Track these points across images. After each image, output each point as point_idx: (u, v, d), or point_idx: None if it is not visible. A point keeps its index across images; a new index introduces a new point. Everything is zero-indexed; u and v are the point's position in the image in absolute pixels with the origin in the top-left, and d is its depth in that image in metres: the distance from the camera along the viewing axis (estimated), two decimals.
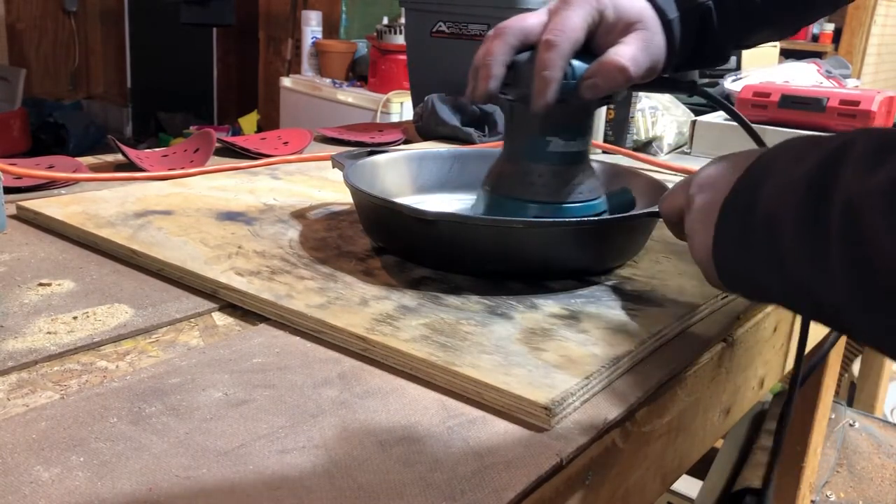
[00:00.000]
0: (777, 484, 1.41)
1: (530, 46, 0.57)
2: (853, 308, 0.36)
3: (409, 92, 1.32)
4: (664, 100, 1.20)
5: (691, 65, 0.63)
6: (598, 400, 0.44)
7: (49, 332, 0.47)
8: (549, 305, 0.53)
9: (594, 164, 0.75)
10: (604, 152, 1.12)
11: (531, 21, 0.57)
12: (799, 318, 0.66)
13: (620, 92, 0.59)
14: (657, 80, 0.63)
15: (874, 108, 1.06)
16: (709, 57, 0.63)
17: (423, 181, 0.75)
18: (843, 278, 0.36)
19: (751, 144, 0.66)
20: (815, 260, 0.38)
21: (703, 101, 1.40)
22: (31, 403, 0.40)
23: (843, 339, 1.29)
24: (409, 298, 0.53)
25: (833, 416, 1.50)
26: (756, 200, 0.42)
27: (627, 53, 0.55)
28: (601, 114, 1.12)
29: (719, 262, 0.46)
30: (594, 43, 0.57)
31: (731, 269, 0.46)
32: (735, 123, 0.67)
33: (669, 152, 1.17)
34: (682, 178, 0.74)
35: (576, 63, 0.56)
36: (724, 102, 0.67)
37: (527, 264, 0.57)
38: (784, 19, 0.63)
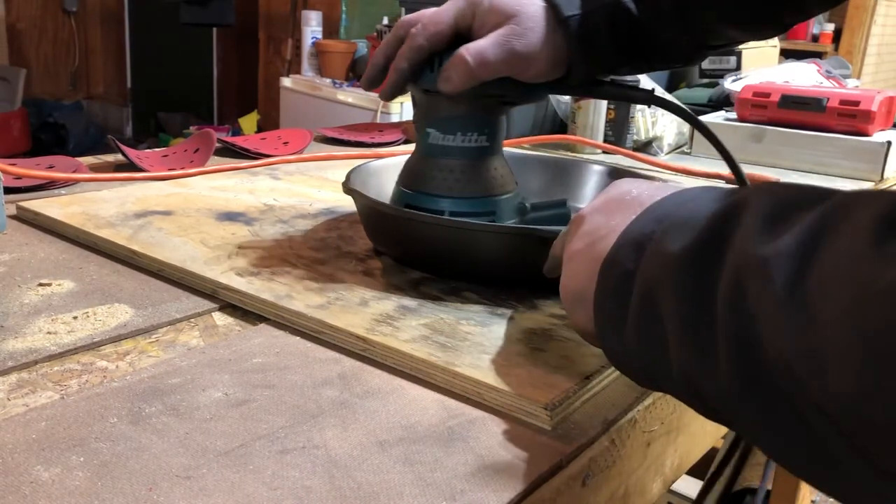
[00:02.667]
0: (777, 484, 1.41)
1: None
2: (733, 395, 0.31)
3: (408, 92, 1.32)
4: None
5: (630, 66, 0.60)
6: (598, 400, 0.44)
7: (49, 332, 0.47)
8: (549, 305, 0.53)
9: (596, 168, 0.75)
10: (604, 152, 1.12)
11: (420, 16, 0.59)
12: None
13: (536, 94, 0.59)
14: (607, 86, 0.61)
15: (874, 108, 1.06)
16: (654, 57, 0.60)
17: None
18: (726, 362, 0.31)
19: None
20: (699, 344, 0.32)
21: (703, 101, 1.40)
22: (31, 403, 0.40)
23: None
24: (409, 299, 0.53)
25: None
26: (635, 270, 0.37)
27: (474, 48, 0.55)
28: (601, 114, 1.12)
29: (605, 341, 0.40)
30: (471, 37, 0.57)
31: (619, 351, 0.39)
32: (736, 123, 0.66)
33: (669, 152, 1.17)
34: (678, 177, 0.74)
35: (445, 56, 0.57)
36: (685, 110, 0.63)
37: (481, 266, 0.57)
38: (752, 16, 0.60)
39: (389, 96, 0.59)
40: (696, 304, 0.33)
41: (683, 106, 0.64)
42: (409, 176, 0.62)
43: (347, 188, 0.62)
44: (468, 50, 0.55)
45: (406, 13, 1.28)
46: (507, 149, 0.69)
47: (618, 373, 0.46)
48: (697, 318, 0.33)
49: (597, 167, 0.75)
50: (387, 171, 0.70)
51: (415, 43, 0.56)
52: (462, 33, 0.57)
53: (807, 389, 0.27)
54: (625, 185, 0.45)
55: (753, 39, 0.66)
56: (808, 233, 0.30)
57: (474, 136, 0.60)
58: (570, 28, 0.56)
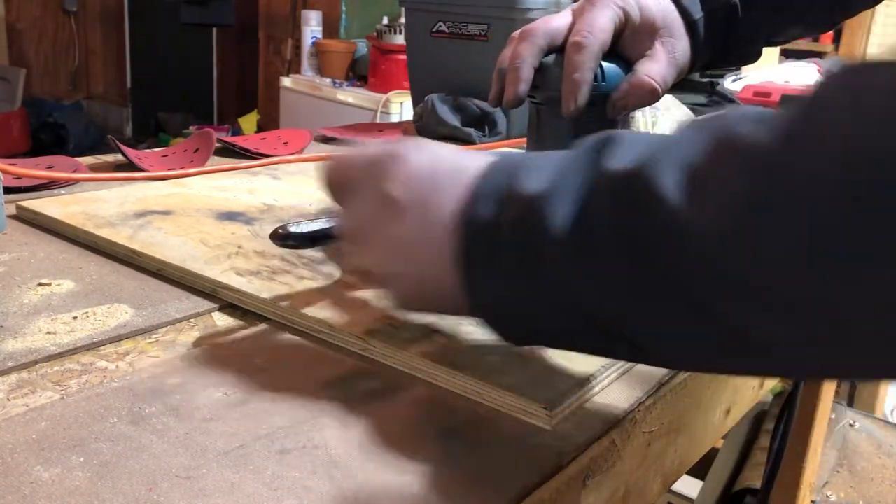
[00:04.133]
0: (777, 484, 1.41)
1: (556, 48, 0.57)
2: (633, 305, 0.32)
3: (409, 92, 1.32)
4: (664, 99, 1.20)
5: (718, 63, 0.62)
6: (598, 400, 0.44)
7: (49, 332, 0.47)
8: None
9: None
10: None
11: (557, 23, 0.57)
12: None
13: None
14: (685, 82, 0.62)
15: None
16: (737, 55, 0.61)
17: None
18: (630, 287, 0.32)
19: None
20: (586, 260, 0.33)
21: (703, 100, 1.40)
22: (31, 403, 0.40)
23: None
24: None
25: (833, 416, 1.50)
26: (500, 216, 0.36)
27: (658, 73, 0.55)
28: None
29: (476, 292, 0.38)
30: (620, 44, 0.57)
31: (490, 299, 0.38)
32: None
33: None
34: None
35: (605, 65, 0.56)
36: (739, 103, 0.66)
37: None
38: (815, 16, 0.62)
39: (578, 112, 0.55)
40: (575, 228, 0.34)
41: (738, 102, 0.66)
42: None
43: None
44: (653, 77, 0.55)
45: (406, 13, 1.28)
46: (508, 149, 0.68)
47: (618, 373, 0.46)
48: (580, 243, 0.33)
49: None
50: None
51: (592, 52, 0.54)
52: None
53: (721, 274, 0.29)
54: (418, 156, 0.41)
55: (808, 36, 0.69)
56: (678, 136, 0.32)
57: None
58: (697, 31, 0.57)
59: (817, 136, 0.27)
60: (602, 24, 0.55)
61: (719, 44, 0.59)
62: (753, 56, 0.62)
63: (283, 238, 0.48)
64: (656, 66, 0.55)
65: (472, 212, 0.37)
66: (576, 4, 0.58)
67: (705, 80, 1.51)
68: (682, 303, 0.31)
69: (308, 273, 0.56)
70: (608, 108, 0.56)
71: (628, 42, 0.57)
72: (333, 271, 0.57)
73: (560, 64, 0.55)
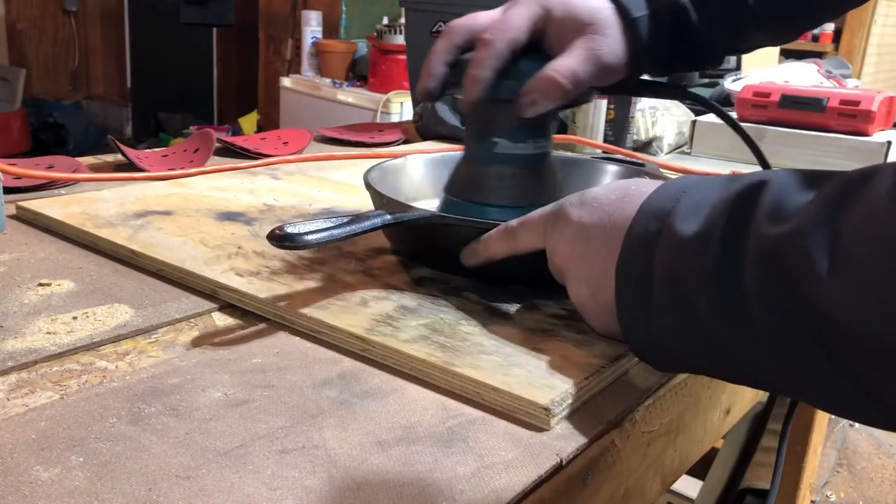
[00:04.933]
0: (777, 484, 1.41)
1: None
2: (777, 360, 0.35)
3: (409, 92, 1.32)
4: (664, 100, 1.20)
5: (675, 66, 0.61)
6: (598, 400, 0.44)
7: (49, 332, 0.47)
8: (549, 305, 0.53)
9: (611, 167, 0.73)
10: (604, 152, 1.12)
11: (480, 19, 0.56)
12: None
13: (586, 96, 0.58)
14: (641, 84, 0.61)
15: (874, 108, 1.06)
16: (695, 58, 0.60)
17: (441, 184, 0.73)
18: (765, 333, 0.34)
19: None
20: (734, 318, 0.36)
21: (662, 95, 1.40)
22: (30, 403, 0.40)
23: None
24: (408, 298, 0.53)
25: (833, 417, 1.50)
26: (652, 261, 0.40)
27: (566, 67, 0.53)
28: (601, 114, 1.12)
29: (630, 332, 0.43)
30: (546, 43, 0.55)
31: (642, 339, 0.43)
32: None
33: (669, 152, 1.17)
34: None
35: (524, 64, 0.54)
36: (716, 106, 0.65)
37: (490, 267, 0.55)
38: (780, 24, 0.61)
39: (472, 107, 0.55)
40: (723, 284, 0.36)
41: (715, 104, 0.66)
42: (467, 186, 0.59)
43: (396, 202, 0.57)
44: (559, 70, 0.53)
45: (406, 13, 1.28)
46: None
47: (618, 372, 0.46)
48: (727, 299, 0.36)
49: (612, 166, 0.73)
50: (396, 172, 0.69)
51: (496, 49, 0.53)
52: (534, 39, 0.55)
53: (857, 334, 0.30)
54: (622, 182, 0.47)
55: (773, 45, 0.67)
56: (831, 201, 0.33)
57: (542, 141, 0.58)
58: (638, 29, 0.56)
59: None
60: (516, 21, 0.54)
61: (671, 45, 0.58)
62: (713, 60, 0.61)
63: (279, 239, 0.48)
64: (567, 61, 0.53)
65: (625, 259, 0.42)
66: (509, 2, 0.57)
67: (705, 80, 1.51)
68: (825, 367, 0.33)
69: (308, 273, 0.56)
70: (516, 106, 0.54)
71: (552, 40, 0.55)
72: (333, 271, 0.57)
73: None
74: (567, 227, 0.47)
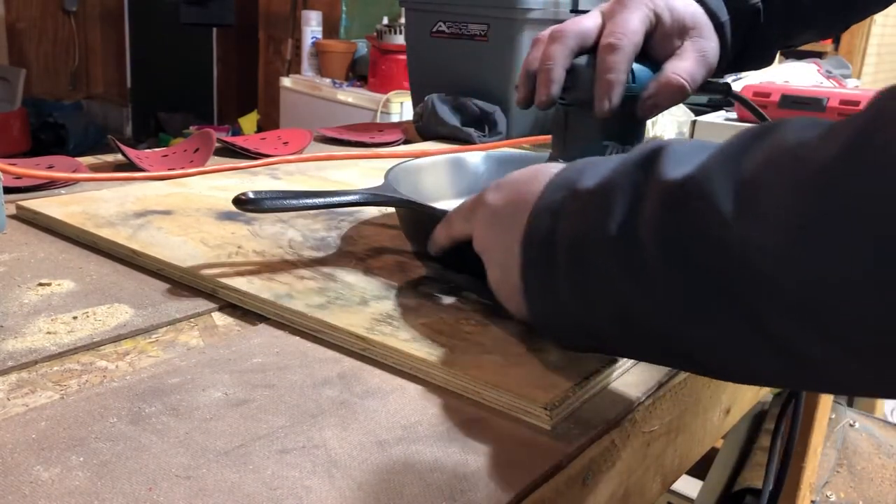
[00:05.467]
0: (777, 484, 1.41)
1: (587, 50, 0.57)
2: (681, 317, 0.33)
3: (409, 92, 1.32)
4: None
5: (737, 67, 0.62)
6: (598, 400, 0.44)
7: (49, 332, 0.47)
8: None
9: None
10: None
11: (587, 24, 0.57)
12: None
13: None
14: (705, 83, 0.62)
15: None
16: (755, 58, 0.61)
17: (461, 185, 0.72)
18: (667, 288, 0.33)
19: None
20: (638, 273, 0.34)
21: (703, 101, 1.40)
22: (31, 403, 0.40)
23: None
24: (409, 298, 0.53)
25: (833, 416, 1.50)
26: (556, 225, 0.39)
27: (686, 70, 0.55)
28: None
29: (532, 305, 0.42)
30: (651, 46, 0.56)
31: (545, 312, 0.42)
32: (736, 123, 0.67)
33: None
34: None
35: (636, 67, 0.55)
36: (754, 106, 0.66)
37: None
38: (830, 19, 0.62)
39: (610, 113, 0.55)
40: (623, 238, 0.34)
41: (753, 104, 0.67)
42: None
43: (421, 205, 0.58)
44: (680, 73, 0.54)
45: (406, 13, 1.28)
46: (510, 150, 0.68)
47: (618, 372, 0.46)
48: (629, 255, 0.34)
49: None
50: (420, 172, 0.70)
51: (626, 53, 0.54)
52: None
53: (769, 277, 0.28)
54: (534, 166, 0.46)
55: (818, 40, 0.68)
56: (734, 148, 0.31)
57: (641, 143, 0.59)
58: (724, 32, 0.57)
59: (882, 150, 0.25)
60: (634, 25, 0.55)
61: (741, 47, 0.59)
62: (768, 60, 0.62)
63: (242, 203, 0.53)
64: (684, 64, 0.55)
65: (530, 230, 0.41)
66: (605, 5, 0.57)
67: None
68: (735, 317, 0.31)
69: (308, 273, 0.56)
70: (638, 109, 0.56)
71: (658, 43, 0.56)
72: (333, 271, 0.57)
73: (592, 65, 0.55)
74: (483, 209, 0.47)
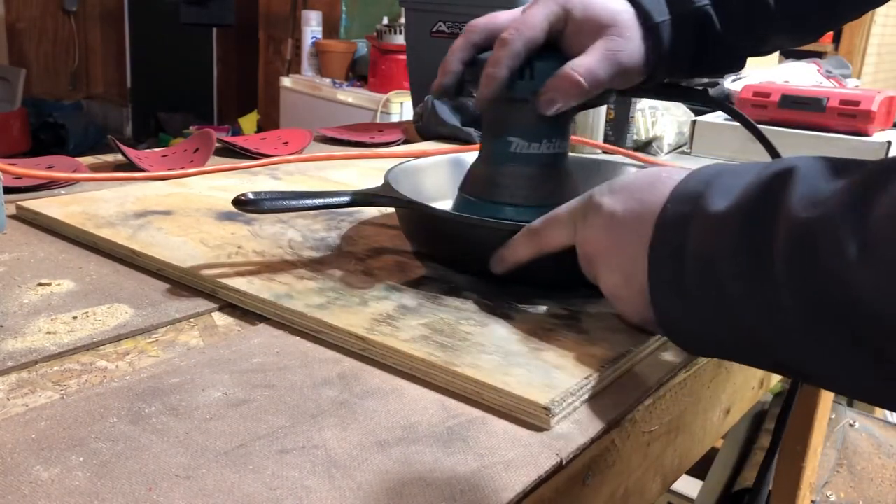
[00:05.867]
0: (777, 484, 1.41)
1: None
2: (806, 343, 0.36)
3: (409, 92, 1.32)
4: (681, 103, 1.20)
5: (697, 70, 0.60)
6: (598, 400, 0.44)
7: (49, 332, 0.47)
8: (549, 305, 0.53)
9: (631, 169, 0.73)
10: (604, 152, 1.12)
11: (500, 19, 0.57)
12: None
13: (604, 98, 0.58)
14: (663, 88, 0.61)
15: (874, 108, 1.06)
16: (718, 63, 0.60)
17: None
18: (796, 317, 0.35)
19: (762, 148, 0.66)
20: (763, 298, 0.37)
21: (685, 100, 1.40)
22: (30, 403, 0.40)
23: None
24: (408, 298, 0.53)
25: (833, 416, 1.50)
26: (685, 241, 0.41)
27: (584, 66, 0.53)
28: (601, 114, 1.12)
29: (661, 313, 0.44)
30: (563, 44, 0.55)
31: (673, 319, 0.43)
32: (736, 123, 0.67)
33: (669, 152, 1.17)
34: None
35: (537, 63, 0.54)
36: (738, 112, 0.64)
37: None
38: (800, 25, 0.61)
39: (487, 104, 0.55)
40: (753, 266, 0.37)
41: (737, 110, 0.66)
42: (483, 185, 0.59)
43: (411, 201, 0.58)
44: (578, 69, 0.53)
45: (406, 13, 1.28)
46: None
47: (618, 372, 0.46)
48: (757, 278, 0.36)
49: (632, 168, 0.73)
50: (418, 172, 0.69)
51: (513, 49, 0.53)
52: (551, 39, 0.55)
53: (886, 321, 0.32)
54: (652, 170, 0.48)
55: (794, 46, 0.67)
56: (859, 190, 0.34)
57: (557, 141, 0.58)
58: (660, 34, 0.56)
59: None
60: (534, 21, 0.54)
61: (694, 50, 0.58)
62: (736, 65, 0.61)
63: (242, 203, 0.54)
64: (585, 60, 0.53)
65: (657, 241, 0.42)
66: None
67: (705, 80, 1.51)
68: (851, 351, 0.34)
69: (308, 273, 0.56)
70: (537, 105, 0.54)
71: (570, 40, 0.55)
72: (333, 271, 0.57)
73: None
74: (598, 216, 0.47)
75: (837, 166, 0.36)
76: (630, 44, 0.55)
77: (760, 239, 0.37)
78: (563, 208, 0.50)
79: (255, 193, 0.54)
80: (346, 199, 0.58)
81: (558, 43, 0.56)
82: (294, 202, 0.56)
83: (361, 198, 0.59)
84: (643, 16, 0.55)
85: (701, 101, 0.64)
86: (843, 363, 0.35)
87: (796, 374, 0.41)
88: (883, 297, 0.31)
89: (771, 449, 0.68)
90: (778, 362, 0.39)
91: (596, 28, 0.54)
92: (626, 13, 0.55)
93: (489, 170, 0.59)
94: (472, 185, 0.61)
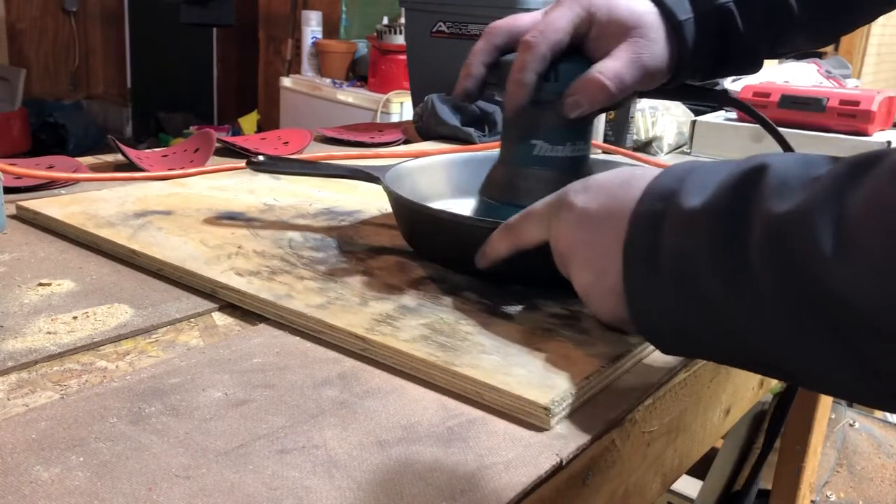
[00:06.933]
0: (777, 484, 1.41)
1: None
2: (784, 339, 0.35)
3: (409, 92, 1.32)
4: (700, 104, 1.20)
5: (717, 71, 0.60)
6: (598, 400, 0.44)
7: (49, 332, 0.47)
8: (549, 305, 0.53)
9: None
10: (604, 153, 1.12)
11: (522, 21, 0.56)
12: None
13: (625, 101, 0.57)
14: (682, 89, 0.61)
15: (874, 108, 1.06)
16: (737, 62, 0.60)
17: (460, 184, 0.72)
18: (774, 312, 0.35)
19: (774, 148, 0.65)
20: (741, 294, 0.36)
21: (703, 100, 1.40)
22: (31, 403, 0.40)
23: None
24: (408, 298, 0.53)
25: (833, 416, 1.50)
26: (660, 238, 0.40)
27: (611, 70, 0.53)
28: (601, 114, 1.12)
29: (636, 311, 0.43)
30: (587, 46, 0.55)
31: (649, 317, 0.42)
32: (736, 123, 0.67)
33: (669, 152, 1.17)
34: None
35: (562, 66, 0.54)
36: (756, 112, 0.64)
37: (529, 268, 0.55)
38: (819, 26, 0.60)
39: (517, 112, 0.55)
40: (729, 261, 0.36)
41: (754, 109, 0.65)
42: (504, 188, 0.59)
43: (421, 206, 0.58)
44: (604, 73, 0.53)
45: (406, 13, 1.28)
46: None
47: (618, 372, 0.46)
48: (732, 274, 0.36)
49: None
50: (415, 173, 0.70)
51: (538, 52, 0.53)
52: (575, 42, 0.55)
53: (863, 316, 0.31)
54: (625, 169, 0.47)
55: (812, 48, 0.67)
56: (836, 183, 0.33)
57: (580, 144, 0.58)
58: (683, 32, 0.55)
59: None
60: (559, 24, 0.54)
61: (715, 50, 0.58)
62: (754, 66, 0.61)
63: (255, 164, 0.65)
64: (612, 64, 0.53)
65: (631, 237, 0.42)
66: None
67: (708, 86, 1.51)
68: (830, 345, 0.33)
69: (308, 273, 0.56)
70: (561, 108, 0.54)
71: (595, 43, 0.55)
72: (333, 271, 0.57)
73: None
74: (571, 213, 0.46)
75: (811, 161, 0.36)
76: (655, 45, 0.55)
77: (735, 234, 0.36)
78: (538, 204, 0.49)
79: (267, 156, 0.66)
80: (346, 171, 0.66)
81: (582, 45, 0.55)
82: (300, 168, 0.68)
83: (364, 176, 0.64)
84: (667, 14, 0.55)
85: (719, 102, 0.64)
86: (821, 359, 0.34)
87: (776, 372, 0.40)
88: (859, 291, 0.31)
89: (763, 450, 0.68)
90: (758, 361, 0.38)
91: (621, 30, 0.54)
92: (651, 14, 0.55)
93: (511, 173, 0.59)
94: (492, 189, 0.60)
